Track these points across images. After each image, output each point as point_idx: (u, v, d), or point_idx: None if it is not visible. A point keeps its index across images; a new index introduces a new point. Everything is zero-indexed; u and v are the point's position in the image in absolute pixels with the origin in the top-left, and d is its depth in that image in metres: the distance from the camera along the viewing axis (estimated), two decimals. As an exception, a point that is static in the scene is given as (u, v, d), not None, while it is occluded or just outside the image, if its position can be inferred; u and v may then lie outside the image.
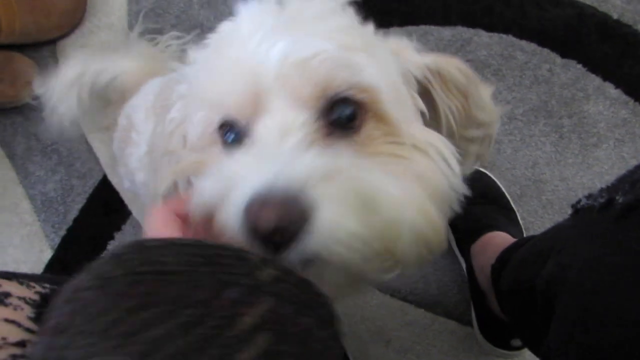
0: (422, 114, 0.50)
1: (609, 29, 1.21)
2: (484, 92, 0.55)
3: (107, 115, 1.09)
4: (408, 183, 0.42)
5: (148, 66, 1.09)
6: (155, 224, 0.42)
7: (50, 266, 1.21)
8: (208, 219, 0.41)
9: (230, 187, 0.39)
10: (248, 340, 0.29)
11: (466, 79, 0.52)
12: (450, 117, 0.52)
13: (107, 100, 1.10)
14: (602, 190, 0.52)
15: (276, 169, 0.37)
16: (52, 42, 1.37)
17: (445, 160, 0.46)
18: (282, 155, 0.40)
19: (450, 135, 0.53)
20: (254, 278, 0.32)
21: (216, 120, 0.47)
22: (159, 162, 0.56)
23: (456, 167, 0.46)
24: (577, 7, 1.23)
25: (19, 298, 0.46)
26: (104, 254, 1.10)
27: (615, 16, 1.21)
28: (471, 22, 1.25)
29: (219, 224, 0.40)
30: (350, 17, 0.49)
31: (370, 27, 0.51)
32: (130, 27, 1.31)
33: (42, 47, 1.36)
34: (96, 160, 1.25)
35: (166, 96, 0.70)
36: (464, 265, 1.05)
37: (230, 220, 0.38)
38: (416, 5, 1.27)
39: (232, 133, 0.47)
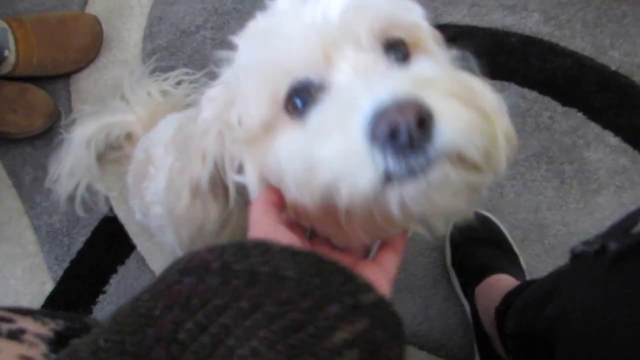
0: None
1: (607, 80, 1.25)
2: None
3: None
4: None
5: (156, 110, 1.14)
6: (257, 214, 0.45)
7: (51, 299, 1.20)
8: (326, 192, 0.40)
9: (345, 119, 0.39)
10: (339, 353, 0.32)
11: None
12: None
13: (119, 148, 1.16)
14: (597, 236, 0.54)
15: (387, 84, 0.38)
16: (67, 75, 1.40)
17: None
18: (381, 75, 0.41)
19: None
20: (356, 298, 0.35)
21: (285, 86, 0.46)
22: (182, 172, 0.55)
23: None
24: (576, 58, 1.28)
25: (35, 335, 0.46)
26: (107, 288, 1.11)
27: (613, 67, 1.26)
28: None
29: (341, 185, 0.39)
30: None
31: None
32: (144, 63, 1.34)
33: (57, 79, 1.39)
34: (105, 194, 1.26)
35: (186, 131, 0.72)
36: (467, 308, 1.05)
37: (359, 142, 0.38)
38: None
39: (300, 98, 0.46)
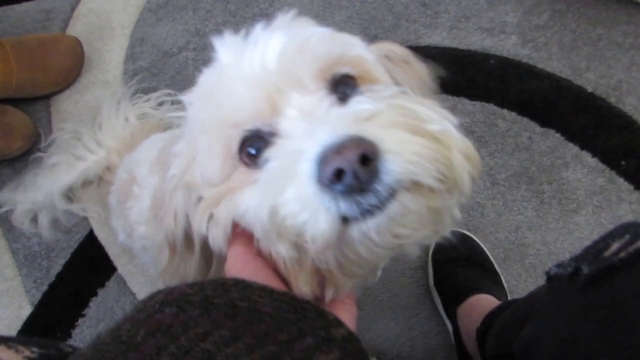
0: None
1: (584, 102, 1.28)
2: (421, 66, 0.61)
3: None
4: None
5: (134, 133, 1.14)
6: (234, 255, 0.47)
7: (29, 323, 1.18)
8: (280, 229, 0.41)
9: (294, 164, 0.39)
10: None
11: (403, 51, 0.59)
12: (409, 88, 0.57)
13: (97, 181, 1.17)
14: (571, 259, 0.55)
15: (327, 127, 0.39)
16: (47, 96, 1.39)
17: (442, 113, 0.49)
18: (323, 118, 0.42)
19: None
20: (328, 332, 0.37)
21: (236, 139, 0.46)
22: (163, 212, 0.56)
23: (452, 118, 0.48)
24: (553, 80, 1.31)
25: None
26: (86, 311, 1.09)
27: (589, 89, 1.29)
28: (455, 90, 1.31)
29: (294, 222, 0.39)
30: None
31: None
32: (126, 84, 1.34)
33: (37, 101, 1.38)
34: (83, 216, 1.24)
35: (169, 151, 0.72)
36: (450, 329, 1.05)
37: (306, 187, 0.38)
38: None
39: (253, 147, 0.46)
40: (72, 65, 1.37)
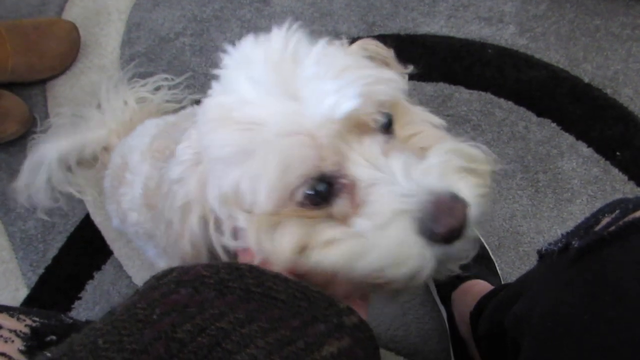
0: None
1: (580, 92, 1.28)
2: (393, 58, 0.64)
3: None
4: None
5: (133, 117, 1.14)
6: (247, 255, 0.48)
7: (26, 305, 1.18)
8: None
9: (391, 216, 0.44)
10: None
11: (385, 51, 0.62)
12: None
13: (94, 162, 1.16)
14: (562, 236, 0.56)
15: (418, 181, 0.44)
16: (43, 81, 1.38)
17: (440, 122, 0.57)
18: (406, 172, 0.45)
19: None
20: (340, 320, 0.39)
21: (296, 185, 0.46)
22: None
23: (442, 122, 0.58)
24: (550, 70, 1.31)
25: (10, 331, 0.46)
26: (82, 294, 1.09)
27: (586, 80, 1.29)
28: (452, 79, 1.31)
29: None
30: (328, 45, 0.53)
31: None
32: (122, 69, 1.34)
33: (32, 85, 1.38)
34: (79, 198, 1.24)
35: (164, 140, 0.72)
36: (444, 314, 1.06)
37: (407, 240, 0.43)
38: (401, 61, 1.33)
39: (315, 191, 0.46)
40: (68, 49, 1.36)
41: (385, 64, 0.61)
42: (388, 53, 0.62)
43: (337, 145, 0.45)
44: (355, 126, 0.46)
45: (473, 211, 0.44)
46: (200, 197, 0.50)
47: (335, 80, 0.45)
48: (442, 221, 0.42)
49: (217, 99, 0.50)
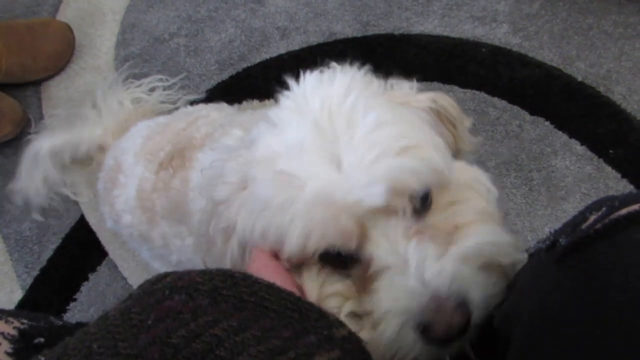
0: None
1: (573, 90, 1.29)
2: (467, 123, 0.62)
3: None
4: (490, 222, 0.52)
5: (128, 118, 1.14)
6: (257, 252, 0.50)
7: (20, 307, 1.18)
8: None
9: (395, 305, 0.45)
10: None
11: (456, 112, 0.59)
12: (448, 148, 0.58)
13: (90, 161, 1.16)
14: (550, 233, 0.56)
15: (427, 282, 0.44)
16: (37, 82, 1.38)
17: (486, 186, 0.55)
18: (418, 267, 0.45)
19: None
20: (330, 332, 0.39)
21: (316, 247, 0.47)
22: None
23: (492, 186, 0.55)
24: (544, 68, 1.31)
25: None
26: (77, 295, 1.09)
27: (579, 78, 1.30)
28: (446, 78, 1.31)
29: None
30: (372, 87, 0.54)
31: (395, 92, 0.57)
32: (116, 70, 1.34)
33: (26, 86, 1.38)
34: (74, 200, 1.24)
35: (156, 142, 0.72)
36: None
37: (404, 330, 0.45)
38: (396, 61, 1.34)
39: (333, 254, 0.48)
40: (63, 50, 1.36)
41: (451, 124, 0.59)
42: (458, 114, 0.60)
43: (363, 223, 0.47)
44: (391, 212, 0.47)
45: (478, 315, 0.45)
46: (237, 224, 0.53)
47: (374, 163, 0.46)
48: (436, 326, 0.43)
49: (269, 139, 0.50)
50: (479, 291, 0.45)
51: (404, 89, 0.58)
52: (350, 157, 0.46)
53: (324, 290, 0.49)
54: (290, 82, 0.53)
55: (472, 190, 0.53)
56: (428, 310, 0.43)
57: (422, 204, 0.49)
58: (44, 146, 1.10)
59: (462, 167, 0.55)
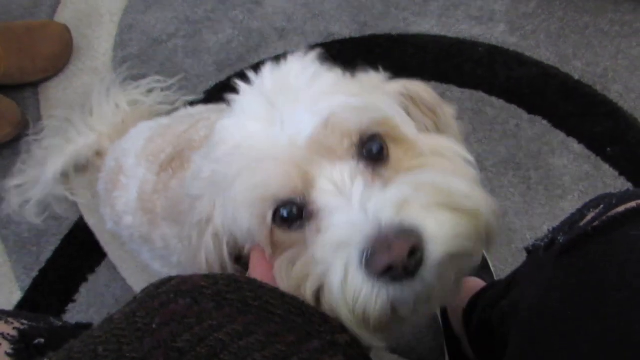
0: None
1: (570, 89, 1.29)
2: (448, 110, 0.61)
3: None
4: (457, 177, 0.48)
5: (125, 120, 1.14)
6: (257, 257, 0.50)
7: (19, 308, 1.18)
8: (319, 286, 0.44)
9: (336, 248, 0.42)
10: None
11: (432, 98, 0.58)
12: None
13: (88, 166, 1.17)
14: (549, 232, 0.56)
15: (372, 215, 0.41)
16: (35, 83, 1.38)
17: (457, 153, 0.52)
18: (362, 200, 0.43)
19: None
20: (333, 337, 0.39)
21: (269, 210, 0.47)
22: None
23: (468, 155, 0.52)
24: (541, 67, 1.32)
25: None
26: (77, 296, 1.09)
27: (576, 77, 1.30)
28: (444, 78, 1.32)
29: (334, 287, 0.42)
30: (333, 71, 0.53)
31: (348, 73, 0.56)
32: (115, 71, 1.34)
33: (25, 88, 1.38)
34: (73, 201, 1.24)
35: (158, 143, 0.73)
36: (438, 311, 1.07)
37: (354, 275, 0.41)
38: (393, 61, 1.34)
39: (286, 210, 0.47)
40: (61, 52, 1.36)
41: (430, 110, 0.58)
42: (434, 99, 0.59)
43: (306, 170, 0.46)
44: (328, 152, 0.46)
45: (434, 250, 0.41)
46: (213, 216, 0.52)
47: (307, 108, 0.46)
48: (378, 255, 0.40)
49: (226, 122, 0.51)
50: (435, 224, 0.41)
51: (374, 78, 0.57)
52: (293, 115, 0.46)
53: (290, 275, 0.47)
54: (250, 74, 0.53)
55: (442, 157, 0.51)
56: (369, 239, 0.40)
57: (376, 155, 0.48)
58: (47, 172, 1.11)
59: (434, 137, 0.54)
